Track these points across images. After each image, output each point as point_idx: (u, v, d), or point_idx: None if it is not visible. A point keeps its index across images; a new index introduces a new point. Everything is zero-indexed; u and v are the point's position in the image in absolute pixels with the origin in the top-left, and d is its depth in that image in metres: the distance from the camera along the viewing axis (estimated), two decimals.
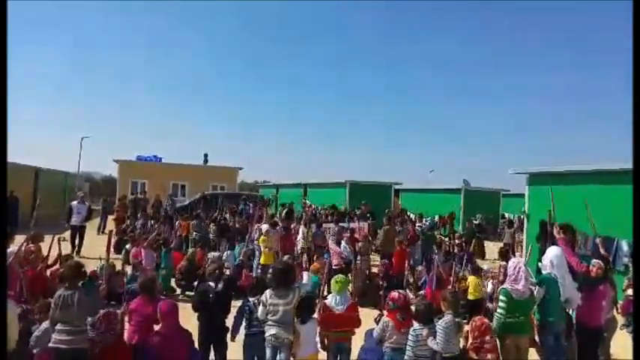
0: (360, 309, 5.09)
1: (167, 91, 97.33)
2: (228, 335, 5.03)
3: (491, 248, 15.26)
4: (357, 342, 4.97)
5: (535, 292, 4.82)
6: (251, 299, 4.94)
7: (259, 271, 9.70)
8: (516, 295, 4.60)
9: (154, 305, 4.71)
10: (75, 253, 11.51)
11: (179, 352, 4.47)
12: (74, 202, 13.38)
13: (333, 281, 5.09)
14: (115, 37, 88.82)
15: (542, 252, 5.69)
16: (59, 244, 6.74)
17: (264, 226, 10.54)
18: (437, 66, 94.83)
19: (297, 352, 4.56)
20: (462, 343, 4.54)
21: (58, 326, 4.08)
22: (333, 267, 9.57)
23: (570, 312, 5.19)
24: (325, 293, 8.72)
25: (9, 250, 6.15)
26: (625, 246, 9.31)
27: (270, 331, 4.54)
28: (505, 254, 8.90)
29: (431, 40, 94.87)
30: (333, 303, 4.86)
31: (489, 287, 8.09)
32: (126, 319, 4.77)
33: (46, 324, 4.36)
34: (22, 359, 4.22)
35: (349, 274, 8.69)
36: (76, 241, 12.60)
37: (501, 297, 4.70)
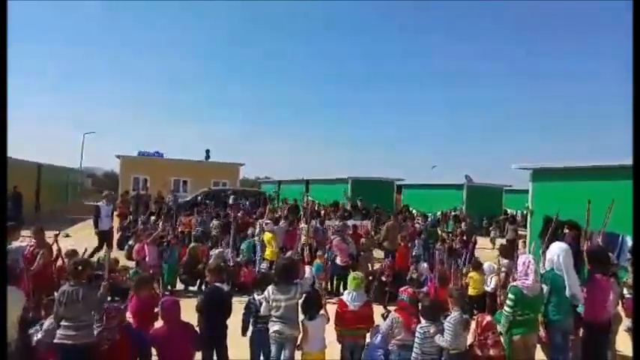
0: None
1: (169, 87, 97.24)
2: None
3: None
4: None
5: (543, 290, 4.79)
6: (257, 296, 4.92)
7: (262, 266, 9.69)
8: (527, 292, 4.58)
9: (151, 302, 4.75)
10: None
11: (184, 348, 4.48)
12: (101, 203, 11.60)
13: (350, 277, 5.11)
14: (118, 33, 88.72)
15: (545, 248, 5.66)
16: (56, 240, 6.67)
17: (266, 222, 10.49)
18: (439, 61, 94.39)
19: (305, 347, 4.57)
20: (469, 340, 4.53)
21: (63, 322, 4.07)
22: (341, 264, 9.57)
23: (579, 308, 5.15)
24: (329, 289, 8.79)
25: (15, 245, 6.16)
26: (630, 242, 9.28)
27: (273, 327, 4.55)
28: (506, 251, 8.79)
29: (434, 36, 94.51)
30: (350, 299, 4.85)
31: (492, 284, 8.05)
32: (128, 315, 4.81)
33: (48, 321, 4.36)
34: (21, 355, 4.23)
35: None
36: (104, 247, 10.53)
37: (510, 295, 4.66)
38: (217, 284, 5.20)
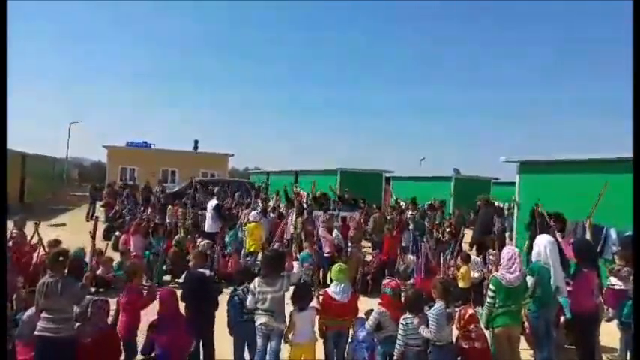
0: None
1: (157, 77, 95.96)
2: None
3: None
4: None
5: (528, 281, 4.82)
6: (239, 288, 4.89)
7: (248, 259, 9.62)
8: (507, 283, 4.61)
9: (140, 292, 4.74)
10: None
11: (183, 340, 4.45)
12: (214, 201, 11.10)
13: (334, 269, 5.06)
14: (102, 22, 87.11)
15: (532, 240, 5.70)
16: (37, 231, 6.42)
17: (253, 214, 10.39)
18: (430, 54, 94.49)
19: (294, 339, 4.54)
20: (455, 332, 4.55)
21: (44, 314, 3.99)
22: (325, 254, 9.55)
23: (560, 299, 5.22)
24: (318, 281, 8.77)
25: None
26: (613, 234, 9.39)
27: (259, 319, 4.51)
28: (494, 243, 8.87)
29: (424, 29, 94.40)
30: (336, 291, 4.81)
31: (476, 275, 8.11)
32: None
33: (29, 312, 4.29)
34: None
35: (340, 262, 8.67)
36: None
37: (491, 286, 4.70)
38: (200, 270, 5.12)
